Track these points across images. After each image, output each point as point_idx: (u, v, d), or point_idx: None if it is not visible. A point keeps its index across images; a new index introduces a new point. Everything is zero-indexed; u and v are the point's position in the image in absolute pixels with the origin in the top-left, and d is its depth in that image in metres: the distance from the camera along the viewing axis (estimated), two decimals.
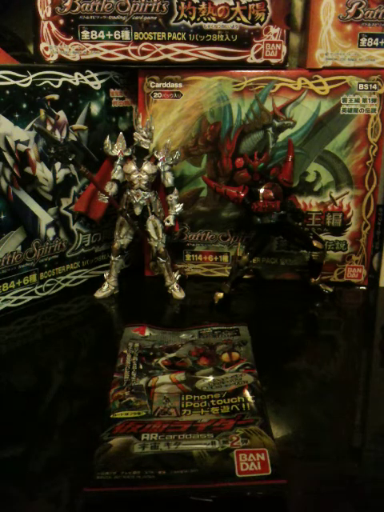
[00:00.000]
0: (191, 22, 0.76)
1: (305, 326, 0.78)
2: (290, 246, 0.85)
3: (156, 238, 0.81)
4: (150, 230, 0.80)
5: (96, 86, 0.81)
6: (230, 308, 0.79)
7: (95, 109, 0.81)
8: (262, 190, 0.76)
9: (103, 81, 0.82)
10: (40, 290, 0.80)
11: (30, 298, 0.78)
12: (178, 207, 0.80)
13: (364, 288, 0.86)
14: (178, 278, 0.83)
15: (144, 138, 0.77)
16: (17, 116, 0.71)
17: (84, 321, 0.77)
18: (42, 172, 0.76)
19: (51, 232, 0.79)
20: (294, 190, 0.81)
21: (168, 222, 0.80)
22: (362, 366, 0.69)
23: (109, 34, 0.77)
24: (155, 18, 0.76)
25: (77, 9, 0.76)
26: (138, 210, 0.79)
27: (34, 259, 0.78)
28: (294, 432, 0.53)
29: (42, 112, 0.75)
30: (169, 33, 0.77)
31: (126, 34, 0.77)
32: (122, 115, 0.86)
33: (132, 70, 0.81)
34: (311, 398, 0.59)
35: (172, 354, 0.62)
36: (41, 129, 0.71)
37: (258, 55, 0.77)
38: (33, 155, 0.74)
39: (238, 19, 0.76)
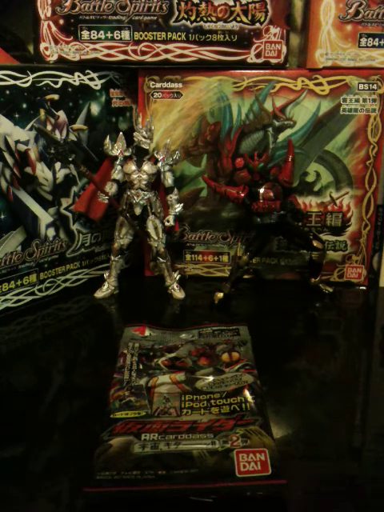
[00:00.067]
0: (191, 22, 0.76)
1: (305, 326, 0.78)
2: (290, 246, 0.85)
3: (156, 238, 0.81)
4: (150, 229, 0.80)
5: (96, 86, 0.81)
6: (230, 308, 0.79)
7: (95, 109, 0.81)
8: (262, 190, 0.76)
9: (103, 81, 0.82)
10: (40, 290, 0.80)
11: (29, 298, 0.78)
12: (178, 207, 0.80)
13: (364, 288, 0.86)
14: (177, 278, 0.83)
15: (144, 137, 0.77)
16: (17, 116, 0.71)
17: (84, 321, 0.77)
18: (42, 172, 0.76)
19: (51, 232, 0.79)
20: (294, 190, 0.81)
21: (168, 221, 0.80)
22: (362, 366, 0.69)
23: (109, 34, 0.77)
24: (155, 17, 0.76)
25: (77, 9, 0.76)
26: (137, 210, 0.79)
27: (34, 259, 0.78)
28: (293, 432, 0.53)
29: (42, 112, 0.75)
30: (169, 33, 0.77)
31: (125, 34, 0.77)
32: (122, 115, 0.86)
33: (132, 70, 0.81)
34: (311, 398, 0.59)
35: (172, 354, 0.62)
36: (41, 129, 0.71)
37: (257, 55, 0.77)
38: (33, 155, 0.74)
39: (238, 19, 0.76)
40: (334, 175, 0.82)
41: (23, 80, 0.72)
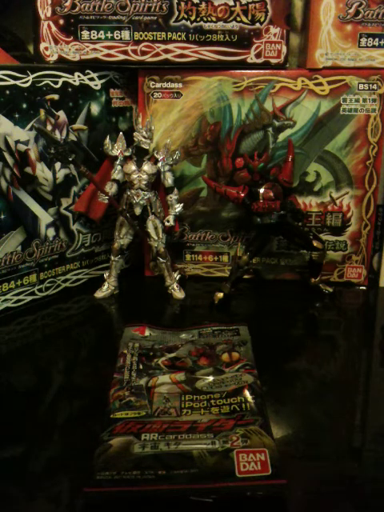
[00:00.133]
0: (191, 22, 0.76)
1: (305, 326, 0.78)
2: (290, 246, 0.85)
3: (156, 238, 0.81)
4: (150, 230, 0.80)
5: (96, 86, 0.81)
6: (230, 308, 0.79)
7: (95, 109, 0.81)
8: (262, 190, 0.76)
9: (103, 81, 0.82)
10: (40, 290, 0.80)
11: (29, 298, 0.78)
12: (178, 207, 0.80)
13: (364, 288, 0.86)
14: (178, 278, 0.83)
15: (144, 137, 0.77)
16: (17, 116, 0.71)
17: (84, 321, 0.77)
18: (42, 172, 0.76)
19: (51, 232, 0.79)
20: (294, 190, 0.81)
21: (168, 221, 0.80)
22: (362, 366, 0.69)
23: (109, 34, 0.77)
24: (155, 17, 0.76)
25: (77, 9, 0.76)
26: (138, 210, 0.79)
27: (34, 259, 0.78)
28: (294, 432, 0.53)
29: (42, 112, 0.75)
30: (169, 33, 0.77)
31: (125, 34, 0.77)
32: (122, 115, 0.86)
33: (132, 70, 0.81)
34: (311, 398, 0.59)
35: (172, 354, 0.62)
36: (41, 129, 0.71)
37: (257, 55, 0.77)
38: (33, 155, 0.74)
39: (238, 19, 0.76)
40: (334, 175, 0.82)
41: (23, 80, 0.72)
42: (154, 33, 0.77)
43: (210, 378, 0.57)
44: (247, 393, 0.54)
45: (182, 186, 0.84)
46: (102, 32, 0.77)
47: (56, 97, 0.76)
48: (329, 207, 0.84)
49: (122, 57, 0.78)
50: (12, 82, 0.70)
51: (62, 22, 0.77)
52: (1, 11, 0.99)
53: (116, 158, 0.79)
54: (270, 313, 0.78)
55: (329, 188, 0.83)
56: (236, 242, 0.87)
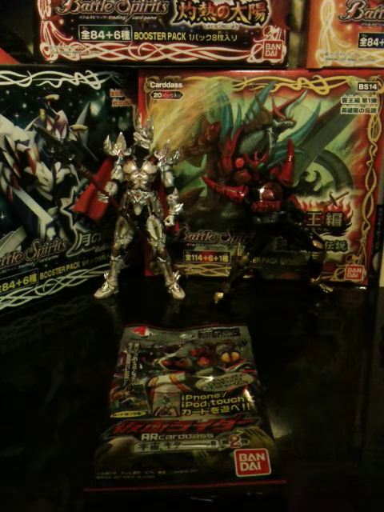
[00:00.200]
0: (191, 22, 0.76)
1: (305, 326, 0.78)
2: (290, 246, 0.85)
3: (156, 238, 0.81)
4: (150, 230, 0.80)
5: (96, 86, 0.81)
6: (230, 308, 0.79)
7: (95, 109, 0.81)
8: (262, 190, 0.76)
9: (103, 81, 0.82)
10: (40, 290, 0.80)
11: (29, 298, 0.78)
12: (178, 207, 0.80)
13: (364, 288, 0.86)
14: (178, 278, 0.83)
15: (144, 137, 0.77)
16: (17, 116, 0.71)
17: (84, 321, 0.77)
18: (42, 172, 0.76)
19: (51, 232, 0.79)
20: (294, 190, 0.81)
21: (168, 221, 0.80)
22: (362, 366, 0.69)
23: (109, 34, 0.77)
24: (155, 17, 0.76)
25: (77, 9, 0.76)
26: (138, 210, 0.79)
27: (34, 259, 0.78)
28: (294, 432, 0.53)
29: (42, 112, 0.75)
30: (169, 33, 0.77)
31: (125, 34, 0.77)
32: (122, 115, 0.86)
33: (132, 70, 0.81)
34: (311, 398, 0.59)
35: (172, 354, 0.62)
36: (41, 129, 0.71)
37: (257, 55, 0.77)
38: (33, 155, 0.74)
39: (238, 19, 0.76)
40: (334, 175, 0.82)
41: (23, 80, 0.72)
42: (154, 33, 0.77)
43: (210, 378, 0.57)
44: (247, 393, 0.54)
45: (182, 186, 0.84)
46: (101, 32, 0.77)
47: (56, 97, 0.76)
48: (329, 207, 0.84)
49: (121, 57, 0.78)
50: (12, 82, 0.70)
51: (62, 21, 0.77)
52: (1, 11, 0.99)
53: (116, 158, 0.79)
54: (270, 313, 0.77)
55: (329, 188, 0.83)
56: (236, 242, 0.87)
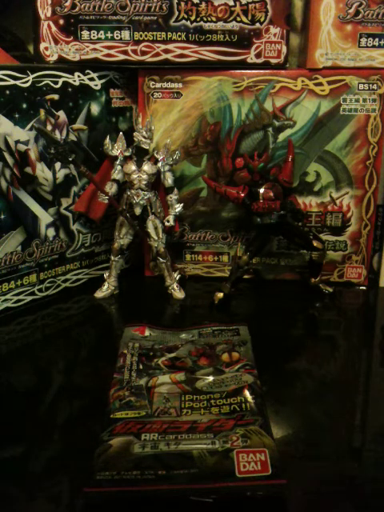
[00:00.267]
0: (191, 22, 0.76)
1: (305, 326, 0.78)
2: (290, 246, 0.85)
3: (156, 238, 0.81)
4: (150, 230, 0.80)
5: (96, 86, 0.81)
6: (230, 308, 0.79)
7: (95, 109, 0.81)
8: (262, 190, 0.76)
9: (103, 81, 0.82)
10: (40, 290, 0.80)
11: (29, 298, 0.78)
12: (178, 207, 0.80)
13: (364, 288, 0.86)
14: (178, 278, 0.83)
15: (144, 137, 0.77)
16: (17, 116, 0.71)
17: (84, 321, 0.77)
18: (42, 172, 0.76)
19: (51, 232, 0.79)
20: (294, 190, 0.81)
21: (168, 221, 0.80)
22: (362, 366, 0.69)
23: (109, 34, 0.77)
24: (155, 17, 0.76)
25: (77, 9, 0.76)
26: (138, 210, 0.79)
27: (34, 259, 0.78)
28: (294, 432, 0.53)
29: (42, 112, 0.75)
30: (169, 33, 0.77)
31: (125, 34, 0.77)
32: (122, 115, 0.86)
33: (132, 70, 0.81)
34: (311, 398, 0.59)
35: (172, 354, 0.62)
36: (41, 129, 0.71)
37: (257, 55, 0.77)
38: (33, 155, 0.74)
39: (238, 19, 0.76)
40: (334, 175, 0.82)
41: (23, 80, 0.72)
42: (154, 33, 0.77)
43: (210, 378, 0.57)
44: (247, 393, 0.54)
45: (182, 186, 0.84)
46: (101, 32, 0.77)
47: (56, 97, 0.76)
48: (329, 207, 0.84)
49: (121, 57, 0.78)
50: (12, 82, 0.70)
51: (61, 21, 0.77)
52: (1, 11, 0.99)
53: (116, 158, 0.79)
54: (270, 313, 0.77)
55: (329, 188, 0.83)
56: (236, 242, 0.87)
